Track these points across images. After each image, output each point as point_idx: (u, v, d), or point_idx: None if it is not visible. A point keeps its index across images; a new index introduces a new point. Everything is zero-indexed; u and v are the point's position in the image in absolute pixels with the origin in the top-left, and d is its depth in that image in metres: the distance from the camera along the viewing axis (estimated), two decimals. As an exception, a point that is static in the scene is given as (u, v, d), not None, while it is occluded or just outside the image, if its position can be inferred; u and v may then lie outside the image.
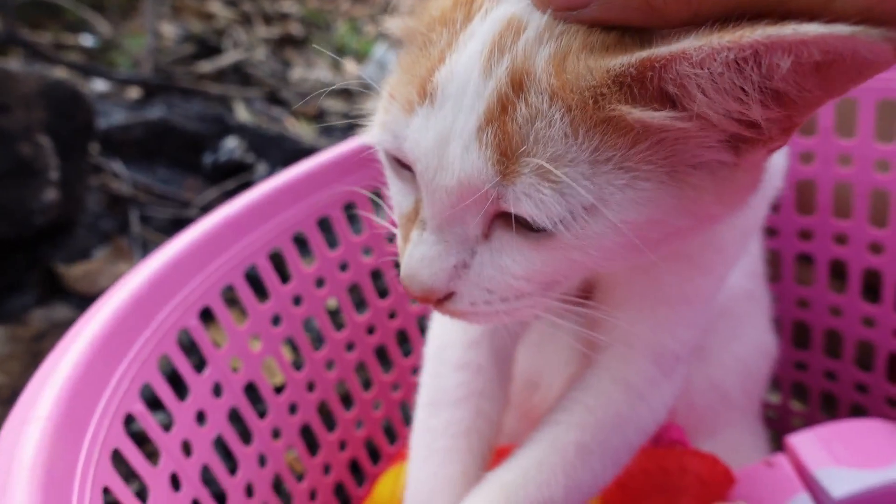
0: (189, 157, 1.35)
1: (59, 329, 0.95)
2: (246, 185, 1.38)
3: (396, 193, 0.34)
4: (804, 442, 0.54)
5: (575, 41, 0.28)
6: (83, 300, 1.02)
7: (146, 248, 1.16)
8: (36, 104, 0.96)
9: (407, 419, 0.65)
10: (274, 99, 1.72)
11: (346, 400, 0.64)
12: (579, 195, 0.28)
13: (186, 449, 0.48)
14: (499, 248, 0.31)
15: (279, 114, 1.67)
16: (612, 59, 0.27)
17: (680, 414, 0.57)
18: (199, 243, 0.51)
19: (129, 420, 0.42)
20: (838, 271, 0.66)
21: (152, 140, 1.34)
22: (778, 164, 0.43)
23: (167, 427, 0.46)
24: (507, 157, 0.28)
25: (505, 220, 0.30)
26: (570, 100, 0.28)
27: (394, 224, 0.36)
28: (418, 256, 0.31)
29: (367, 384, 0.66)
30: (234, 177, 1.32)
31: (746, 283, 0.58)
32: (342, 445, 0.64)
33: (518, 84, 0.29)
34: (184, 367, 0.49)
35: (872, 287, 0.64)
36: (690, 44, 0.25)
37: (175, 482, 0.45)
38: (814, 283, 0.68)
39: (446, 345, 0.45)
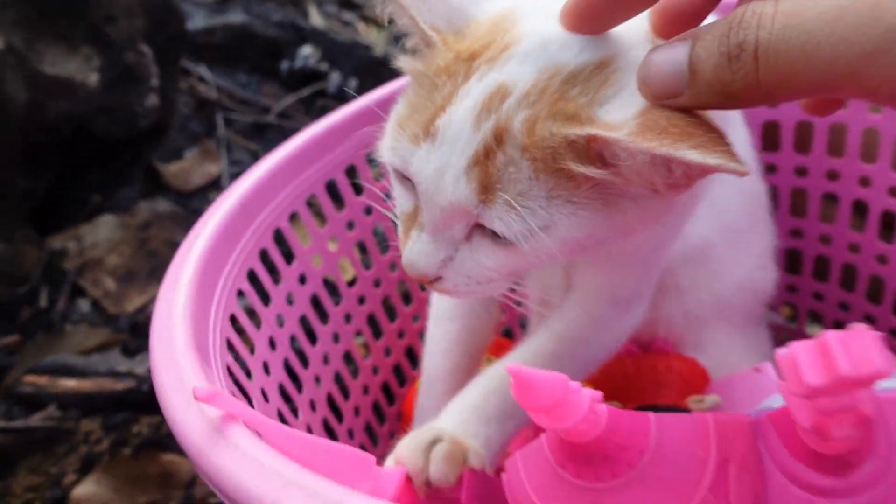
0: (267, 63, 1.43)
1: (160, 219, 1.09)
2: (320, 94, 1.46)
3: (399, 196, 0.44)
4: (798, 351, 0.60)
5: (544, 110, 0.38)
6: (179, 195, 1.16)
7: (230, 151, 1.27)
8: (136, 14, 1.05)
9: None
10: (346, 2, 1.76)
11: (406, 297, 0.75)
12: (536, 220, 0.38)
13: (280, 321, 0.59)
14: (476, 248, 0.41)
15: (351, 18, 1.72)
16: (569, 129, 0.37)
17: (677, 324, 0.66)
18: (290, 158, 0.60)
19: (240, 294, 0.53)
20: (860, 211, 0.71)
21: (233, 45, 1.42)
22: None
23: (266, 303, 0.58)
24: (486, 189, 0.38)
25: (482, 228, 0.41)
26: (536, 154, 0.37)
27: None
28: (416, 251, 0.42)
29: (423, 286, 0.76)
30: (309, 85, 1.40)
31: (733, 221, 0.66)
32: (401, 334, 0.75)
33: (499, 138, 0.38)
34: (277, 258, 0.60)
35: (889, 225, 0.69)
36: (623, 138, 0.35)
37: (272, 344, 0.57)
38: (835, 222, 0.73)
39: None
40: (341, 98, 1.40)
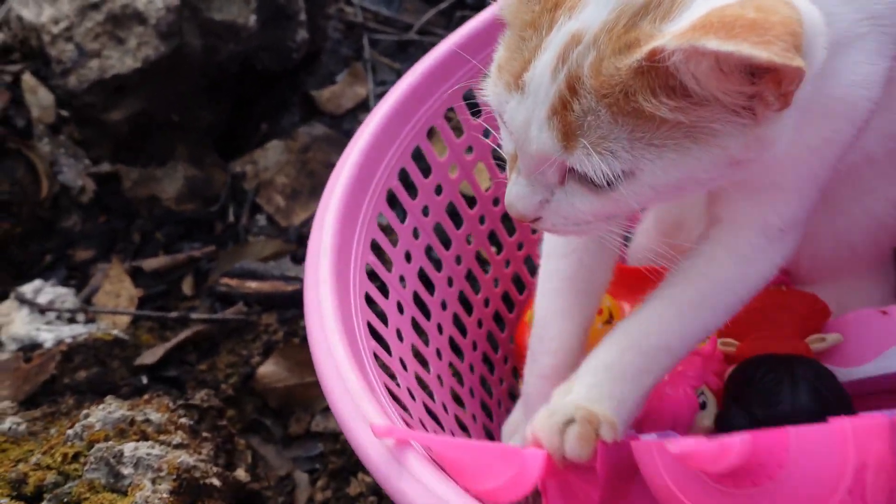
0: (407, -21, 1.48)
1: (318, 142, 1.23)
2: (459, 4, 1.49)
3: (504, 139, 0.45)
4: None
5: (608, 47, 0.37)
6: (333, 118, 1.29)
7: (376, 72, 1.37)
8: (283, -48, 1.15)
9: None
10: None
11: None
12: (620, 164, 0.38)
13: (416, 234, 0.68)
14: (570, 193, 0.42)
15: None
16: (631, 56, 0.36)
17: (803, 264, 0.64)
18: (426, 75, 0.65)
19: (380, 215, 0.62)
20: None
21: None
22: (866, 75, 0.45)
23: (402, 220, 0.67)
24: (567, 137, 0.39)
25: (574, 172, 0.41)
26: (609, 96, 0.37)
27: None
28: (515, 193, 0.44)
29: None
30: (447, -4, 1.43)
31: (887, 142, 0.58)
32: (519, 246, 0.82)
33: (572, 87, 0.38)
34: (415, 174, 0.67)
35: None
36: (674, 40, 0.34)
37: (408, 257, 0.67)
38: None
39: None
40: (480, 7, 1.43)
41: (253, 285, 0.98)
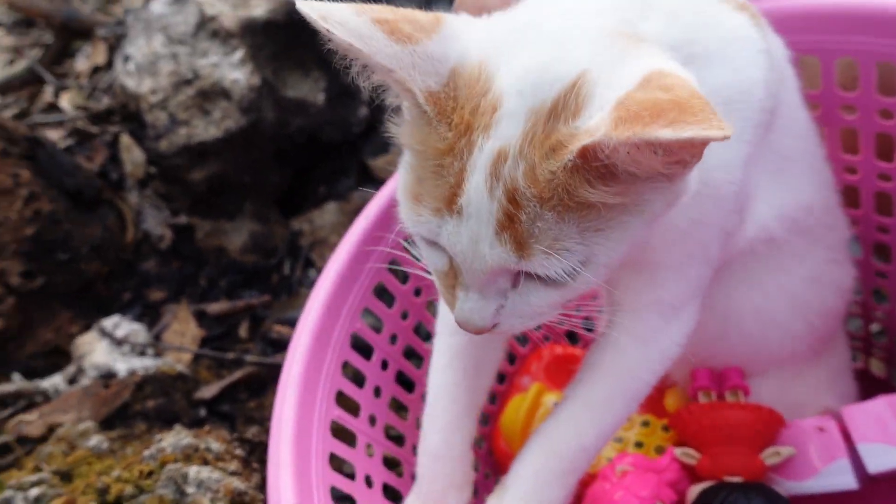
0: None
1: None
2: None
3: (430, 256, 0.45)
4: (856, 414, 0.61)
5: (535, 155, 0.38)
6: (384, 183, 1.42)
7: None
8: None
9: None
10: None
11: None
12: (576, 256, 0.40)
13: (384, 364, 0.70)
14: (525, 293, 0.43)
15: None
16: (562, 158, 0.37)
17: (737, 344, 0.64)
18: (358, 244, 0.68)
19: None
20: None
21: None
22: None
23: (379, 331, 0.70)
24: (521, 247, 0.39)
25: (527, 273, 0.42)
26: (550, 198, 0.38)
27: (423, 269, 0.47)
28: (468, 309, 0.43)
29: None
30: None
31: (790, 216, 0.59)
32: None
33: (513, 201, 0.39)
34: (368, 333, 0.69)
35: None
36: (601, 138, 0.35)
37: (377, 392, 0.68)
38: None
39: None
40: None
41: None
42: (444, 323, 0.60)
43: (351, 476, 0.60)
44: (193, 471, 0.65)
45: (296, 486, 0.52)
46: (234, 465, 0.69)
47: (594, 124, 0.37)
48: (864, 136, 0.70)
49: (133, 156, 1.26)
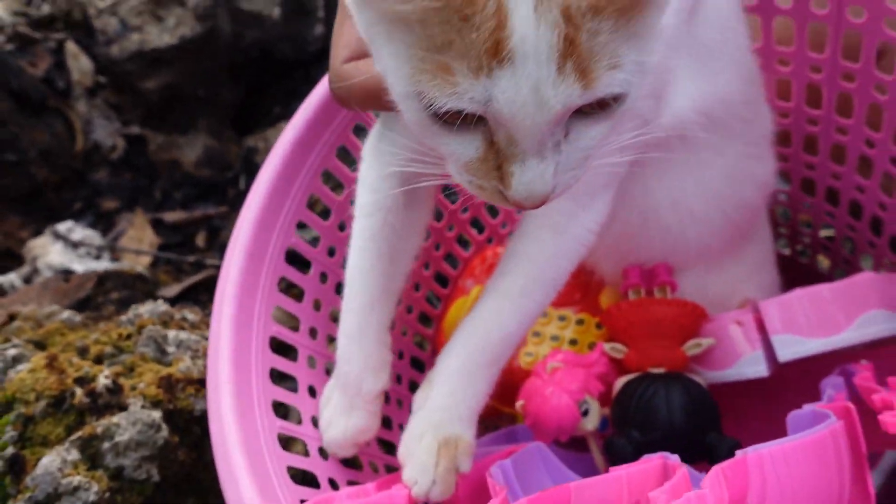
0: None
1: (323, 127, 1.37)
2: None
3: (455, 146, 0.39)
4: (771, 308, 0.64)
5: None
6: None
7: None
8: (307, -43, 1.30)
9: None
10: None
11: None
12: (631, 64, 0.36)
13: (323, 278, 0.69)
14: (576, 137, 0.38)
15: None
16: None
17: (657, 237, 0.65)
18: (312, 120, 0.66)
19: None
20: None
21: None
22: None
23: (307, 269, 0.67)
24: (584, 72, 0.35)
25: (575, 113, 0.37)
26: (605, 6, 0.34)
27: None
28: (529, 180, 0.37)
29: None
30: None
31: (712, 110, 0.59)
32: (437, 246, 0.83)
33: (570, 18, 0.34)
34: (314, 222, 0.68)
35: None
36: None
37: (317, 306, 0.68)
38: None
39: (365, 174, 0.59)
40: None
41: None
42: (362, 204, 0.58)
43: (293, 389, 0.62)
44: (172, 333, 0.67)
45: (236, 404, 0.52)
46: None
47: None
48: (795, 85, 0.73)
49: (80, 63, 1.22)
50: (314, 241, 0.69)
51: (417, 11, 0.35)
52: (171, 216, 1.16)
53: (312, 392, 0.63)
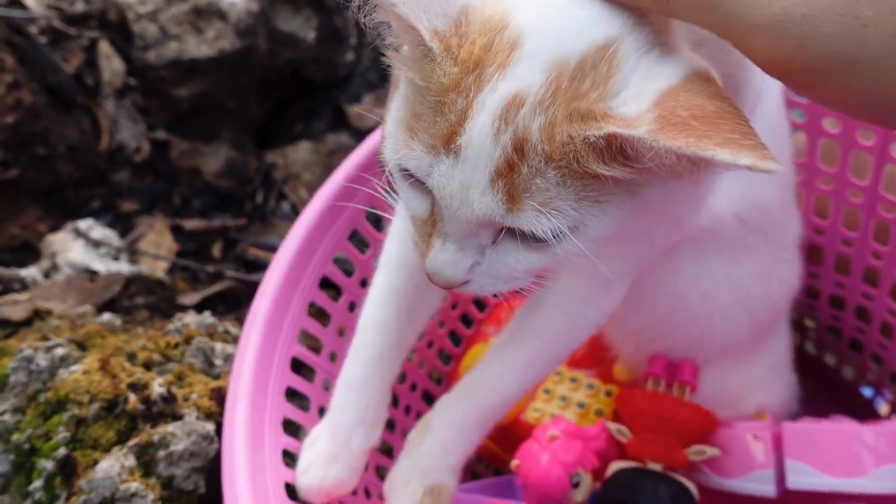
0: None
1: (342, 149, 1.40)
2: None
3: (410, 199, 0.42)
4: (794, 432, 0.65)
5: (560, 113, 0.36)
6: (357, 131, 1.46)
7: (398, 100, 1.55)
8: (344, -15, 1.34)
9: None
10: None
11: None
12: (566, 221, 0.37)
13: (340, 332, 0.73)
14: (504, 252, 0.40)
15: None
16: (587, 130, 0.35)
17: (683, 325, 0.66)
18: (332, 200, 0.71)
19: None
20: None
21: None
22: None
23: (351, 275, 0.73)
24: (513, 199, 0.37)
25: (510, 231, 0.39)
26: (559, 160, 0.36)
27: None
28: (442, 260, 0.40)
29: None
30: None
31: (746, 214, 0.60)
32: (453, 306, 0.87)
33: (520, 149, 0.36)
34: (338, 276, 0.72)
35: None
36: (644, 136, 0.34)
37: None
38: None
39: (396, 228, 0.60)
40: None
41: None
42: (388, 258, 0.58)
43: (305, 408, 0.64)
44: (219, 345, 0.68)
45: (250, 418, 0.55)
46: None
47: (633, 115, 0.35)
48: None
49: (112, 64, 1.23)
50: (349, 273, 0.72)
51: (413, 80, 0.39)
52: (191, 224, 1.17)
53: (321, 412, 0.64)
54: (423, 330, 0.63)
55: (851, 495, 0.62)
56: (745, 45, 0.36)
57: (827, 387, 0.90)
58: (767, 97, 0.56)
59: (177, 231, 1.15)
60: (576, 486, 0.64)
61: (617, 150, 0.36)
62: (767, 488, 0.64)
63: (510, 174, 0.37)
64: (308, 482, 0.56)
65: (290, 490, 0.56)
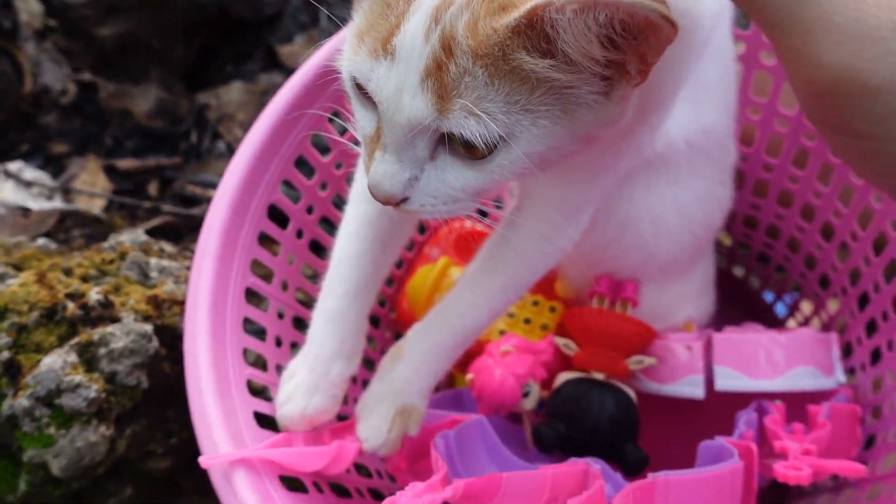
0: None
1: (275, 88, 1.40)
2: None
3: (361, 118, 0.43)
4: (721, 341, 0.70)
5: (482, 8, 0.37)
6: (290, 71, 1.46)
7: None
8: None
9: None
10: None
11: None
12: (497, 126, 0.38)
13: (299, 234, 0.73)
14: (442, 167, 0.41)
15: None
16: (508, 16, 0.36)
17: (631, 247, 0.69)
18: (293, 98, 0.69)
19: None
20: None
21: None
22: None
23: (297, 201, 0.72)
24: (442, 99, 0.37)
25: (446, 146, 0.40)
26: (485, 56, 0.36)
27: (353, 140, 0.46)
28: (381, 172, 0.40)
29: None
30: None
31: (695, 138, 0.63)
32: None
33: (447, 48, 0.37)
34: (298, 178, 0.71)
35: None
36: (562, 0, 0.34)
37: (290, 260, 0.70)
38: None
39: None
40: None
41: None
42: (359, 190, 0.58)
43: (262, 336, 0.65)
44: (154, 260, 0.71)
45: (212, 350, 0.56)
46: (188, 263, 0.75)
47: None
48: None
49: (28, 5, 1.20)
50: (296, 199, 0.72)
51: None
52: (124, 163, 1.17)
53: (278, 342, 0.67)
54: (396, 260, 0.63)
55: (769, 393, 0.70)
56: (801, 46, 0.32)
57: (734, 295, 0.97)
58: (719, 33, 0.59)
59: (111, 172, 1.16)
60: (526, 395, 0.69)
61: (539, 34, 0.36)
62: (697, 391, 0.70)
63: (439, 73, 0.37)
64: (290, 412, 0.57)
65: (260, 419, 0.58)
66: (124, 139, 1.22)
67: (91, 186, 1.10)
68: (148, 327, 0.63)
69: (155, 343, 0.63)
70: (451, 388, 0.81)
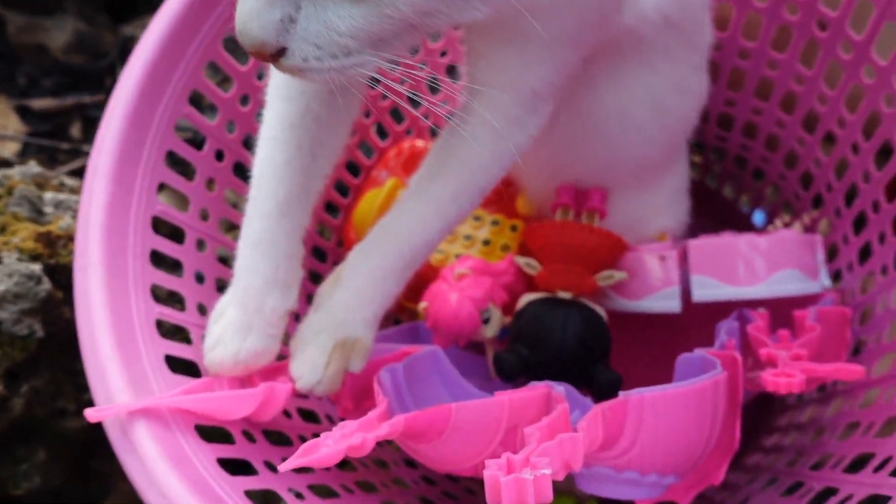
0: None
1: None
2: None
3: None
4: (697, 249, 0.64)
5: None
6: None
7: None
8: None
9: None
10: None
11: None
12: None
13: (219, 155, 0.63)
14: (322, 4, 0.34)
15: None
16: None
17: (599, 147, 0.63)
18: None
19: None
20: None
21: None
22: None
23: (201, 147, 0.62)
24: None
25: None
26: None
27: None
28: (247, 10, 0.33)
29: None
30: None
31: (671, 11, 0.55)
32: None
33: None
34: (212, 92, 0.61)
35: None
36: None
37: (210, 185, 0.62)
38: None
39: None
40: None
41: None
42: (277, 85, 0.49)
43: (178, 272, 0.57)
44: (49, 194, 0.62)
45: (107, 285, 0.48)
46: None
47: None
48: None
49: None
50: (213, 115, 0.62)
51: None
52: (40, 103, 1.06)
53: (199, 278, 0.59)
54: (330, 171, 0.53)
55: (751, 301, 0.64)
56: None
57: (708, 207, 0.90)
58: None
59: (25, 113, 1.05)
60: (486, 321, 0.63)
61: None
62: (673, 304, 0.64)
63: None
64: (220, 357, 0.49)
65: (178, 365, 0.51)
66: (41, 77, 1.10)
67: (2, 129, 0.99)
68: (35, 267, 0.54)
69: (47, 285, 0.54)
70: (397, 324, 0.74)
